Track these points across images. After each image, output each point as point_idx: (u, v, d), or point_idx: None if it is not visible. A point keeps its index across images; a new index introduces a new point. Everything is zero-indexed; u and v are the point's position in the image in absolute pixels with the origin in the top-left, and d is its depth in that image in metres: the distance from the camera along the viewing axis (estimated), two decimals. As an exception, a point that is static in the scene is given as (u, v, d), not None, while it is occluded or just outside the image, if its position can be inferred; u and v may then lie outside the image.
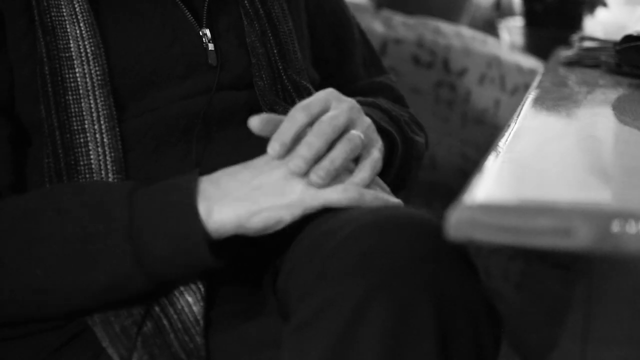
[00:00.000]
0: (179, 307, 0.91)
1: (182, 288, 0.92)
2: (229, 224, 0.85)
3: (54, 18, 0.93)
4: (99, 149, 0.93)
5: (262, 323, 0.91)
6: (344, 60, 1.20)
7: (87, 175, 0.92)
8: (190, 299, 0.91)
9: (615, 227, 0.62)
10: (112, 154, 0.93)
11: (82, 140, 0.92)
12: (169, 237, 0.84)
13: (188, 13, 1.00)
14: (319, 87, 1.09)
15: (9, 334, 0.95)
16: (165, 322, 0.90)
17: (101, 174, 0.92)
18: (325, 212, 0.99)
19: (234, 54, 1.03)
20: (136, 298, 0.88)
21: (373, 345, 0.75)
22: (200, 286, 0.92)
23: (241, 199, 0.86)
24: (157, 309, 0.90)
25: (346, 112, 0.89)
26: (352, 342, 0.75)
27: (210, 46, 1.01)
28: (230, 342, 0.90)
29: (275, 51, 1.05)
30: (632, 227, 0.62)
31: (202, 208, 0.85)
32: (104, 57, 0.94)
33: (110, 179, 0.93)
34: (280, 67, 1.05)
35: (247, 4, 1.05)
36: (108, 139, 0.93)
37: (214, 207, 0.85)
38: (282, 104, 1.03)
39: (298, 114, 0.87)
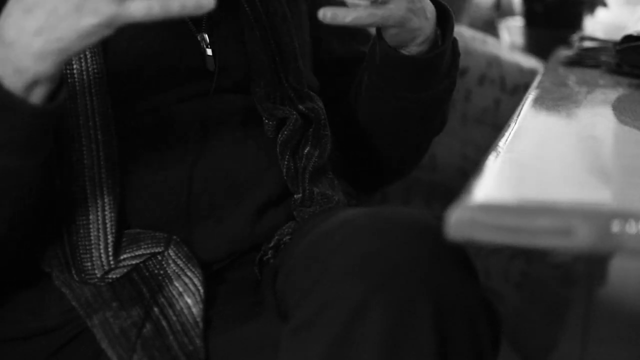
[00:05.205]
0: (178, 308, 0.90)
1: (181, 289, 0.92)
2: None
3: None
4: (93, 145, 0.93)
5: (261, 324, 0.91)
6: (357, 57, 1.20)
7: (79, 171, 0.92)
8: (189, 301, 0.91)
9: (615, 227, 0.62)
10: (106, 151, 0.93)
11: (75, 136, 0.92)
12: None
13: (187, 17, 1.00)
14: (319, 92, 1.09)
15: (9, 335, 0.95)
16: (164, 323, 0.90)
17: (93, 169, 0.92)
18: (324, 213, 0.99)
19: (232, 60, 1.03)
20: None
21: (372, 346, 0.75)
22: (200, 288, 0.92)
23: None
24: (156, 310, 0.90)
25: None
26: (350, 343, 0.75)
27: (209, 51, 1.01)
28: (229, 344, 0.90)
29: (276, 59, 1.05)
30: (632, 227, 0.62)
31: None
32: (102, 56, 0.94)
33: (102, 177, 0.93)
34: (282, 75, 1.04)
35: (249, 11, 1.05)
36: (102, 137, 0.93)
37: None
38: (281, 108, 1.02)
39: None
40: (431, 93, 1.08)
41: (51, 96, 0.82)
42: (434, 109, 1.12)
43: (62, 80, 0.83)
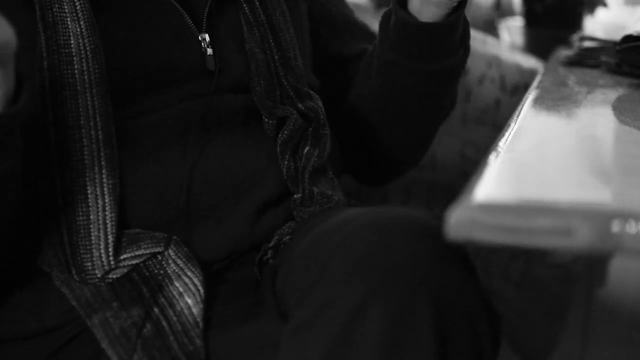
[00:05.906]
0: (179, 309, 0.90)
1: (181, 289, 0.91)
2: None
3: (55, 13, 0.93)
4: (93, 146, 0.93)
5: (261, 324, 0.91)
6: (356, 55, 1.20)
7: (80, 171, 0.92)
8: (189, 301, 0.91)
9: (615, 227, 0.62)
10: (107, 152, 0.93)
11: (76, 136, 0.92)
12: None
13: (188, 18, 1.00)
14: (320, 91, 1.09)
15: (9, 335, 0.95)
16: (164, 324, 0.90)
17: (94, 170, 0.92)
18: (324, 213, 0.99)
19: (232, 59, 1.03)
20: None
21: (371, 346, 0.75)
22: (200, 288, 0.92)
23: None
24: (156, 310, 0.90)
25: None
26: (350, 343, 0.75)
27: (209, 51, 1.01)
28: (229, 344, 0.90)
29: (276, 57, 1.05)
30: (632, 227, 0.62)
31: None
32: (103, 55, 0.94)
33: (103, 177, 0.93)
34: (281, 74, 1.04)
35: (247, 10, 1.05)
36: (103, 137, 0.93)
37: None
38: (281, 107, 1.02)
39: None
40: (448, 63, 1.08)
41: (15, 98, 0.81)
42: (448, 82, 1.12)
43: (20, 84, 0.82)
